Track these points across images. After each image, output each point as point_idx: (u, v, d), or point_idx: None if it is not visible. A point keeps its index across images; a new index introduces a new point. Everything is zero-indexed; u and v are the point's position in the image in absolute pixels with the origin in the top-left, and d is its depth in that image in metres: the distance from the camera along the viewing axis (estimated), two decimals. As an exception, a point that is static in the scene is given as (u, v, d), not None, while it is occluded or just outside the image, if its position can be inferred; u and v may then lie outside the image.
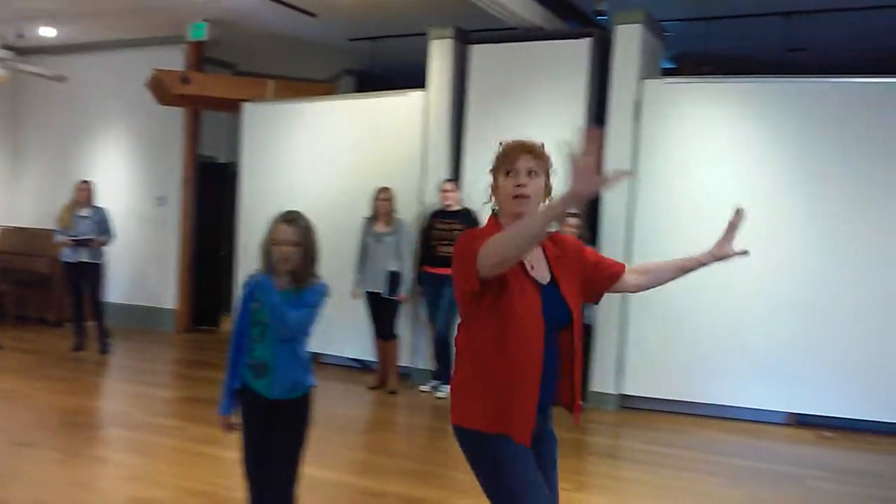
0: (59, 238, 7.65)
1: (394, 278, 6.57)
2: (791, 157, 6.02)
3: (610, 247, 6.33)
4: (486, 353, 2.34)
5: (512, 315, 2.30)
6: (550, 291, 2.38)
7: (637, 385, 6.41)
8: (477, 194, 6.83)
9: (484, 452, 2.36)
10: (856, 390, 5.84)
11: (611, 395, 6.42)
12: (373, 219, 6.71)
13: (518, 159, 2.36)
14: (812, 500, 4.51)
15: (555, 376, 2.40)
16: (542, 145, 2.43)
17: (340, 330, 7.10)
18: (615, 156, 6.42)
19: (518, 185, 2.33)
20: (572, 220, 6.26)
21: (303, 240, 2.93)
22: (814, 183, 5.96)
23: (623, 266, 2.60)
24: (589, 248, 2.58)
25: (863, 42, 8.07)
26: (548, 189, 2.40)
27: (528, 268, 2.37)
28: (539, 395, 2.32)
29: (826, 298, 5.89)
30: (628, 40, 6.41)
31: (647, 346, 6.35)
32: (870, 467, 5.18)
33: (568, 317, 2.38)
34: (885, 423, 5.83)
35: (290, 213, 2.99)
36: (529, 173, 2.34)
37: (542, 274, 2.40)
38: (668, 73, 8.48)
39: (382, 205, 6.63)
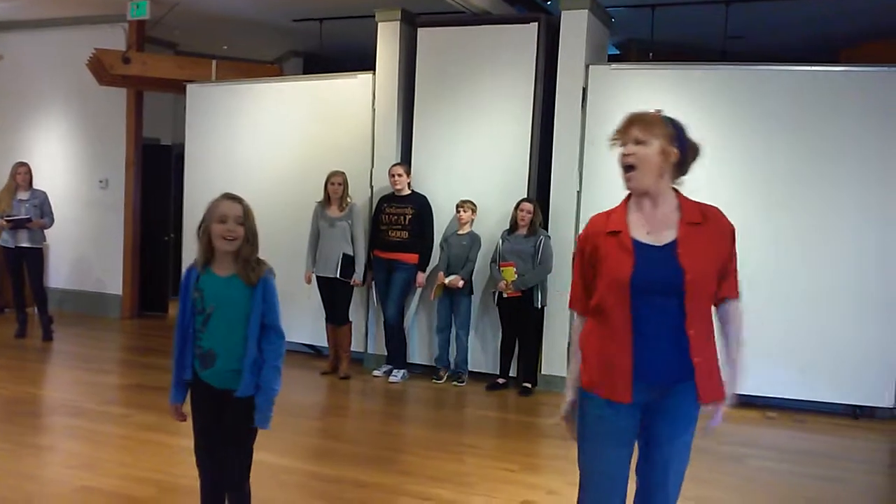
0: (-3, 222, 7.47)
1: (347, 262, 6.56)
2: (732, 143, 6.16)
3: (559, 230, 6.42)
4: (595, 316, 2.49)
5: (604, 278, 2.40)
6: (659, 253, 2.40)
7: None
8: (427, 178, 6.88)
9: (580, 410, 2.56)
10: (798, 371, 6.03)
11: (561, 377, 6.50)
12: (325, 203, 6.67)
13: (627, 131, 2.42)
14: (755, 479, 4.65)
15: (668, 347, 2.39)
16: (658, 112, 2.46)
17: (292, 315, 6.98)
18: (563, 140, 6.51)
19: (624, 155, 2.42)
20: (527, 205, 6.32)
21: (246, 220, 2.89)
22: (755, 167, 6.12)
23: (736, 295, 2.53)
24: (734, 250, 2.51)
25: (795, 30, 8.29)
26: (667, 154, 2.40)
27: (643, 232, 2.43)
28: (634, 361, 2.39)
29: (771, 282, 6.05)
30: (575, 26, 6.46)
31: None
32: (812, 447, 5.35)
33: (678, 279, 2.35)
34: (827, 403, 6.06)
35: (231, 194, 2.94)
36: (637, 142, 2.39)
37: (657, 237, 2.43)
38: (613, 59, 8.59)
39: (335, 189, 6.59)
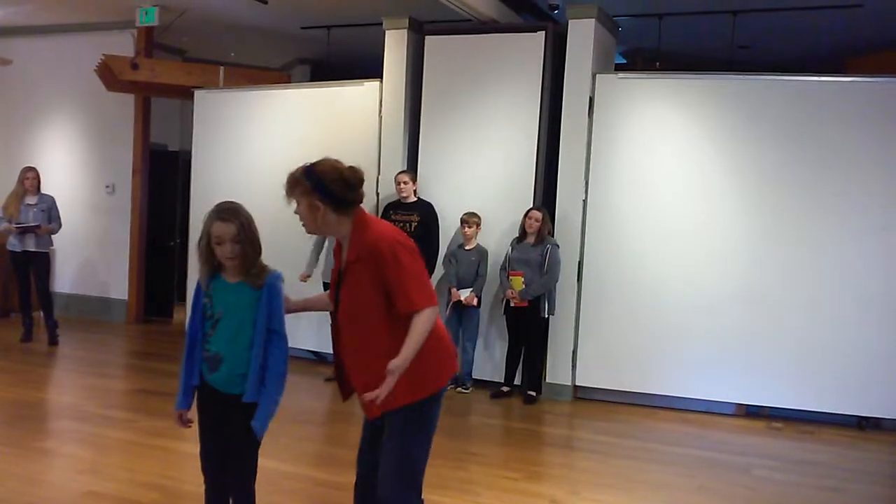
0: (4, 226, 7.49)
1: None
2: (739, 152, 6.16)
3: (566, 239, 6.41)
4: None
5: None
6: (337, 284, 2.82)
7: (591, 377, 6.51)
8: (433, 185, 6.89)
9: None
10: (803, 382, 6.01)
11: (565, 386, 6.52)
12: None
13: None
14: (759, 489, 4.63)
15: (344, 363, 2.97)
16: (293, 174, 2.77)
17: (297, 322, 7.02)
18: (570, 149, 6.52)
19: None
20: (535, 213, 6.31)
21: (243, 234, 2.84)
22: (762, 177, 6.11)
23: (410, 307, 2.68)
24: (395, 269, 2.65)
25: (802, 40, 8.30)
26: (314, 207, 2.71)
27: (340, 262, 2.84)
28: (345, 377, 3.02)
29: (775, 291, 6.05)
30: (582, 35, 6.47)
31: (601, 339, 6.45)
32: (816, 457, 5.32)
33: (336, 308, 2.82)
34: (831, 413, 6.02)
35: (223, 210, 2.88)
36: (297, 205, 2.76)
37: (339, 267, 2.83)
38: (620, 68, 8.60)
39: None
